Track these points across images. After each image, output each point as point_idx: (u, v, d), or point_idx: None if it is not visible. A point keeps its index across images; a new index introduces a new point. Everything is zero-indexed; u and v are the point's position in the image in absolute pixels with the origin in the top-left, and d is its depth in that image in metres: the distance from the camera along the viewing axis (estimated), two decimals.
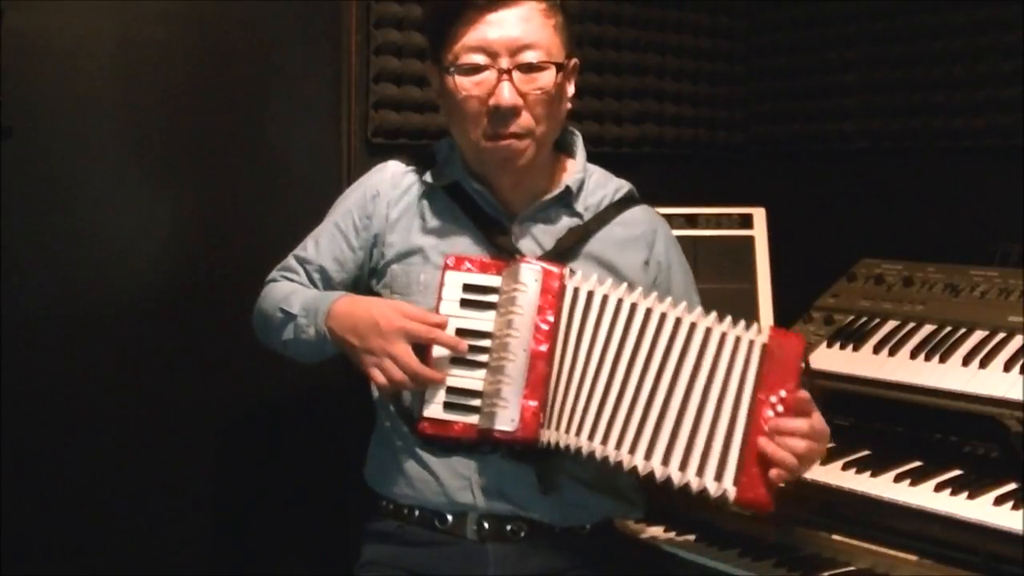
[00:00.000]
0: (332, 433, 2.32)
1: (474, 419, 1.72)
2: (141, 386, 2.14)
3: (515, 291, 1.72)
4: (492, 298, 1.74)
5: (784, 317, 2.37)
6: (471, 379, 1.73)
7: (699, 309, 1.75)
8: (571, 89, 1.85)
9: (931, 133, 2.57)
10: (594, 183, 1.92)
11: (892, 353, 2.16)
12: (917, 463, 1.97)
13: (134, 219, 2.11)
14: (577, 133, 1.95)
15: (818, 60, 2.81)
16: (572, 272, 1.75)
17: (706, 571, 2.01)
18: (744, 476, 1.67)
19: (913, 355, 2.14)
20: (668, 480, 1.68)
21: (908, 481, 1.90)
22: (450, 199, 1.86)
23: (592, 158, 1.97)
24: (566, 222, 1.87)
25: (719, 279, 2.35)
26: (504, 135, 1.76)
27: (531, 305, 1.71)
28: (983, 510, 1.78)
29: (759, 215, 2.43)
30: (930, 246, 2.41)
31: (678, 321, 1.71)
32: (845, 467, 1.99)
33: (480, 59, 1.74)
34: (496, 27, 1.73)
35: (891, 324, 2.25)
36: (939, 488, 1.86)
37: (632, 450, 1.69)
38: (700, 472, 1.68)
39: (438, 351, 1.72)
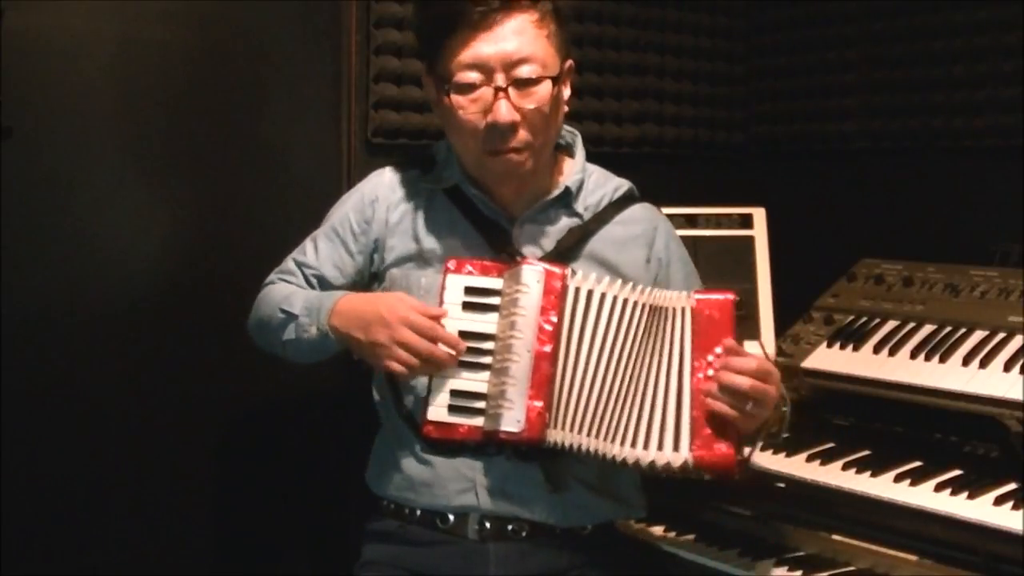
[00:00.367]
0: (332, 433, 2.32)
1: (479, 421, 1.72)
2: (141, 386, 2.13)
3: (517, 293, 1.72)
4: (494, 300, 1.74)
5: (784, 317, 2.37)
6: (475, 381, 1.73)
7: (639, 287, 1.75)
8: (567, 91, 1.84)
9: (931, 133, 2.57)
10: (593, 183, 1.92)
11: (892, 353, 2.17)
12: (917, 463, 1.97)
13: (134, 219, 2.11)
14: (576, 133, 1.95)
15: (818, 60, 2.81)
16: (573, 272, 1.75)
17: (706, 571, 2.01)
18: (698, 439, 1.68)
19: (913, 355, 2.14)
20: (652, 465, 1.70)
21: (908, 481, 1.90)
22: (450, 202, 1.86)
23: (592, 158, 1.97)
24: (566, 223, 1.87)
25: (719, 279, 2.34)
26: (503, 150, 1.76)
27: (534, 306, 1.71)
28: (983, 510, 1.79)
29: (759, 215, 2.43)
30: (930, 246, 2.41)
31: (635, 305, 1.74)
32: (845, 467, 2.00)
33: (475, 76, 1.73)
34: (490, 42, 1.72)
35: (891, 324, 2.25)
36: (939, 488, 1.86)
37: (634, 444, 1.70)
38: (660, 447, 1.70)
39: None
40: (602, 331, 1.73)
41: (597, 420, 1.71)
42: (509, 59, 1.72)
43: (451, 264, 1.76)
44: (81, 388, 2.07)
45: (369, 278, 1.91)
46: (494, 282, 1.75)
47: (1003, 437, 1.98)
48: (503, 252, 1.81)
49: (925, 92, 2.58)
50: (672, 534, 2.11)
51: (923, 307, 2.25)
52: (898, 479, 1.92)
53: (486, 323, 1.74)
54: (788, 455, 2.08)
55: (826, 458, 2.04)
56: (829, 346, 2.26)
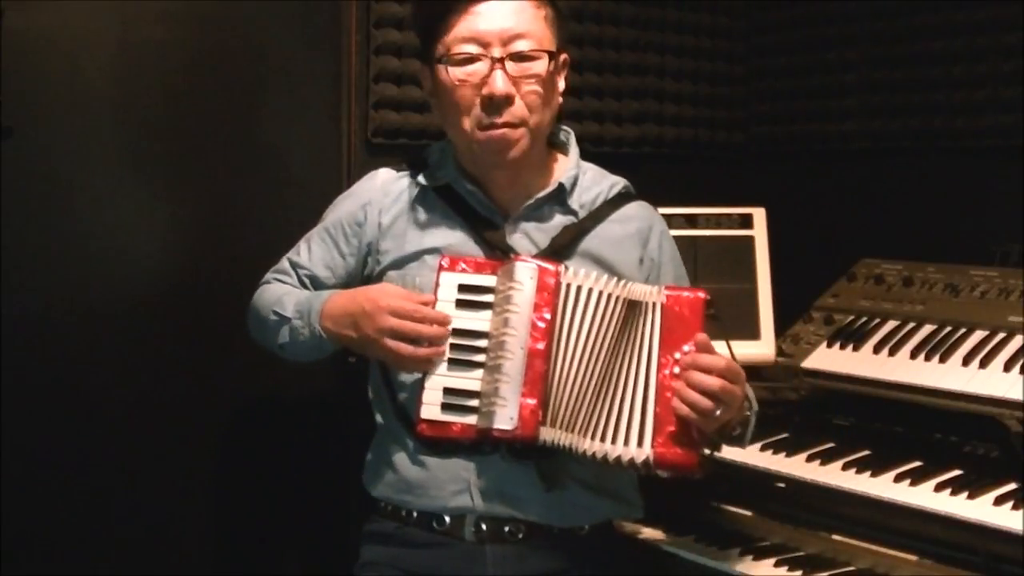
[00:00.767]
0: (331, 433, 2.32)
1: (472, 419, 1.72)
2: (141, 385, 2.14)
3: (511, 290, 1.72)
4: (488, 298, 1.74)
5: (784, 317, 2.37)
6: (468, 379, 1.73)
7: (621, 281, 1.75)
8: (562, 84, 1.85)
9: (931, 133, 2.57)
10: (589, 180, 1.91)
11: (892, 353, 2.16)
12: (917, 463, 1.97)
13: (134, 219, 2.11)
14: (570, 131, 1.95)
15: (818, 60, 2.81)
16: (567, 269, 1.75)
17: (706, 571, 2.01)
18: (660, 436, 1.68)
19: (913, 355, 2.14)
20: (618, 460, 1.69)
21: (908, 481, 1.90)
22: (443, 201, 1.86)
23: (592, 158, 1.97)
24: (560, 220, 1.86)
25: (719, 279, 2.35)
26: (498, 124, 1.76)
27: (527, 303, 1.71)
28: (983, 510, 1.78)
29: (759, 215, 2.43)
30: (930, 246, 2.41)
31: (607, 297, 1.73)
32: (845, 467, 1.99)
33: (472, 49, 1.74)
34: (487, 18, 1.74)
35: (891, 324, 2.25)
36: (939, 488, 1.86)
37: (603, 439, 1.71)
38: (626, 442, 1.69)
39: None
40: (595, 327, 1.73)
41: (583, 417, 1.71)
42: (506, 34, 1.74)
43: (444, 262, 1.76)
44: (80, 388, 2.07)
45: (362, 281, 1.90)
46: (488, 279, 1.75)
47: (1003, 437, 1.98)
48: (497, 249, 1.81)
49: (925, 92, 2.58)
50: (672, 534, 2.11)
51: (923, 307, 2.25)
52: (898, 479, 1.92)
53: (480, 320, 1.74)
54: (788, 455, 2.08)
55: (826, 458, 2.04)
56: (829, 346, 2.26)
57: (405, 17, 2.34)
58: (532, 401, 1.69)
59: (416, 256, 1.84)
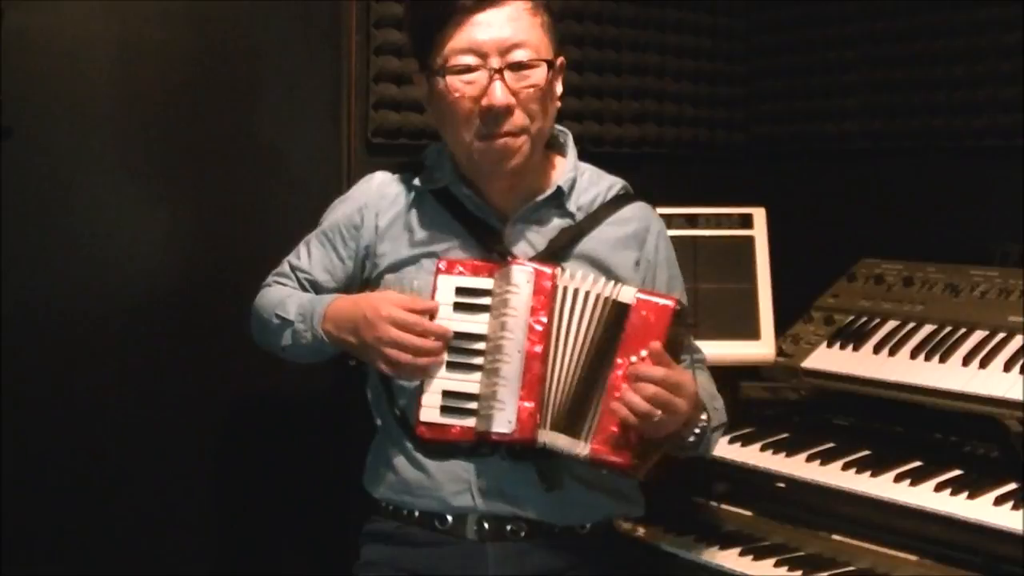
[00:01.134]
0: (332, 433, 2.32)
1: (471, 422, 1.73)
2: (141, 386, 2.13)
3: (508, 293, 1.72)
4: (485, 301, 1.74)
5: (784, 317, 2.37)
6: (467, 382, 1.73)
7: (611, 283, 1.74)
8: (559, 88, 1.84)
9: (931, 133, 2.57)
10: (586, 181, 1.91)
11: (892, 353, 2.17)
12: (917, 463, 1.97)
13: (134, 219, 2.11)
14: (567, 132, 1.94)
15: (818, 60, 2.81)
16: (563, 271, 1.75)
17: (706, 571, 2.01)
18: (600, 434, 1.69)
19: (913, 355, 2.14)
20: (568, 452, 1.71)
21: (908, 481, 1.90)
22: (440, 204, 1.86)
23: (592, 158, 1.96)
24: (558, 222, 1.86)
25: (719, 279, 2.35)
26: (498, 135, 1.75)
27: (524, 306, 1.71)
28: (983, 510, 1.79)
29: (759, 215, 2.43)
30: (930, 246, 2.41)
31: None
32: (845, 467, 2.00)
33: (470, 60, 1.73)
34: (484, 28, 1.73)
35: (891, 324, 2.25)
36: (939, 488, 1.86)
37: (563, 430, 1.71)
38: (576, 435, 1.70)
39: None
40: (588, 329, 1.72)
41: (570, 416, 1.71)
42: (504, 44, 1.73)
43: (442, 265, 1.76)
44: (80, 388, 2.07)
45: (361, 284, 1.90)
46: (485, 282, 1.75)
47: (1003, 437, 1.99)
48: (494, 252, 1.81)
49: (925, 92, 2.58)
50: (672, 534, 2.11)
51: (923, 307, 2.26)
52: (898, 479, 1.92)
53: (477, 324, 1.74)
54: (788, 455, 2.08)
55: (826, 458, 2.04)
56: (829, 346, 2.26)
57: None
58: (530, 404, 1.69)
59: (413, 260, 1.84)
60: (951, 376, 2.04)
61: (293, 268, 1.95)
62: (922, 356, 2.12)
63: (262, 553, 2.33)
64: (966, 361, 2.05)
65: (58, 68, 2.00)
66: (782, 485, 2.05)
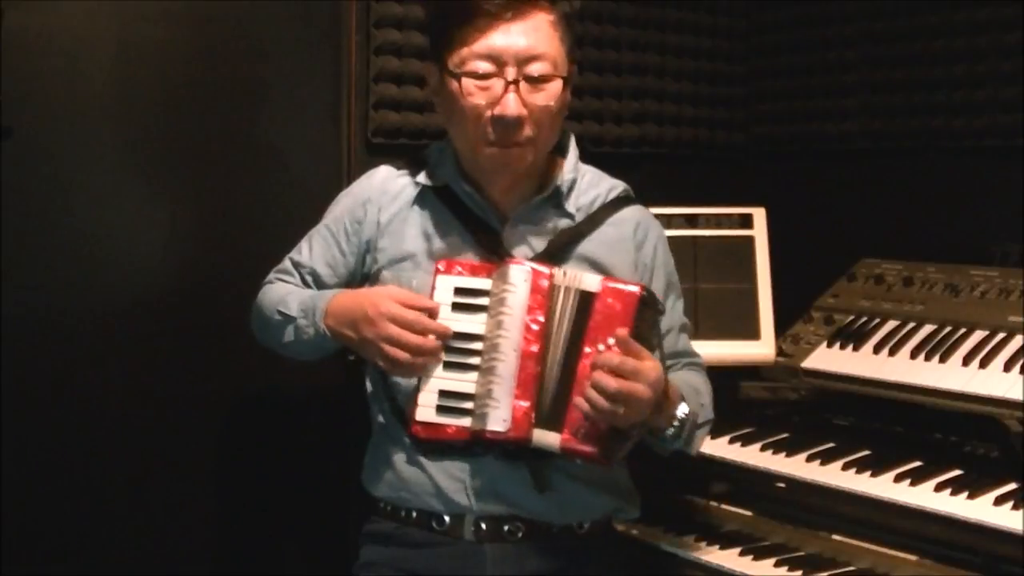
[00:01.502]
0: (332, 433, 2.32)
1: (466, 421, 1.73)
2: (141, 386, 2.13)
3: (504, 292, 1.72)
4: (483, 301, 1.74)
5: (784, 317, 2.37)
6: (463, 382, 1.73)
7: (578, 273, 1.74)
8: (568, 95, 1.84)
9: (931, 133, 2.57)
10: (587, 183, 1.91)
11: (892, 353, 2.17)
12: (917, 463, 1.97)
13: (134, 218, 2.11)
14: (570, 133, 1.94)
15: (818, 60, 2.81)
16: (561, 271, 1.75)
17: (706, 571, 2.01)
18: (569, 425, 1.69)
19: (913, 355, 2.14)
20: (543, 445, 1.71)
21: (908, 481, 1.90)
22: (441, 203, 1.86)
23: (592, 158, 1.96)
24: (557, 223, 1.86)
25: (719, 279, 2.35)
26: (507, 144, 1.75)
27: (520, 306, 1.72)
28: (983, 510, 1.79)
29: (759, 215, 2.43)
30: (930, 246, 2.41)
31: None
32: (845, 467, 2.00)
33: (487, 67, 1.73)
34: (505, 36, 1.72)
35: (891, 324, 2.25)
36: (939, 488, 1.86)
37: (539, 424, 1.71)
38: (549, 427, 1.70)
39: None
40: (564, 322, 1.72)
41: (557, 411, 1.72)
42: (523, 54, 1.72)
43: (441, 265, 1.77)
44: (81, 388, 2.07)
45: (361, 279, 1.90)
46: (483, 282, 1.75)
47: (1003, 437, 1.99)
48: (493, 252, 1.81)
49: (925, 92, 2.58)
50: (672, 534, 2.12)
51: (923, 307, 2.26)
52: (898, 479, 1.92)
53: (475, 323, 1.74)
54: (788, 455, 2.08)
55: (826, 458, 2.04)
56: (829, 346, 2.26)
57: (405, 17, 2.34)
58: (525, 403, 1.69)
59: (412, 257, 1.84)
60: (951, 376, 2.04)
61: (295, 264, 1.94)
62: (922, 356, 2.12)
63: (262, 553, 2.33)
64: (966, 361, 2.05)
65: (58, 68, 2.00)
66: (782, 485, 2.05)
